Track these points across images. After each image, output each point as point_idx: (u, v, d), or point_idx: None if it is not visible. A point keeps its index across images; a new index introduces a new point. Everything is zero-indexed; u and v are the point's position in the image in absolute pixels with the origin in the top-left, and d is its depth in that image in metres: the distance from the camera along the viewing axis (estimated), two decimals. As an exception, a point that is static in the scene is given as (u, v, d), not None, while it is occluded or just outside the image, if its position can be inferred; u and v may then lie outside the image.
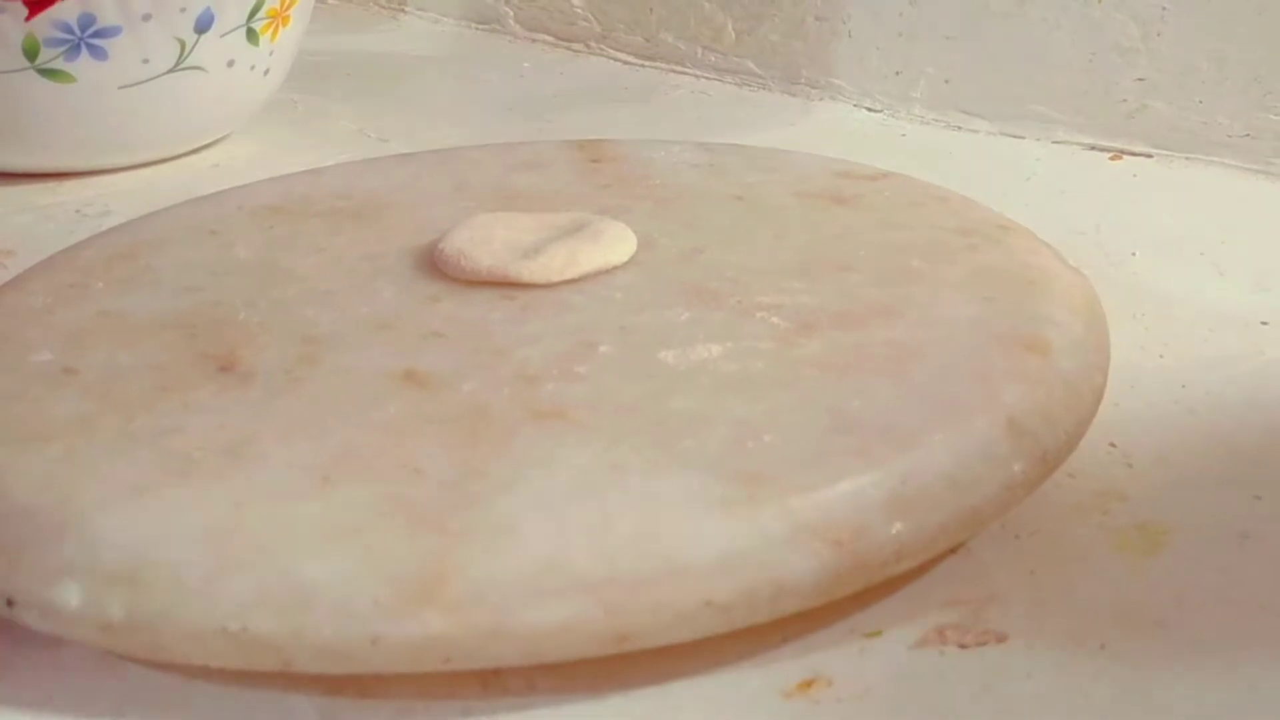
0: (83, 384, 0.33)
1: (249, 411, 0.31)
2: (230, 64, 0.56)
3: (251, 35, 0.56)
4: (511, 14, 0.77)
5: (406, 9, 0.83)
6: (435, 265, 0.38)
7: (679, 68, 0.69)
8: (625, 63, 0.71)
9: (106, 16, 0.52)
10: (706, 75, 0.69)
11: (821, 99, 0.64)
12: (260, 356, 0.34)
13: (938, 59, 0.61)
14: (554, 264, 0.37)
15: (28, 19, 0.51)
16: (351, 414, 0.31)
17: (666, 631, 0.27)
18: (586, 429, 0.30)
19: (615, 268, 0.37)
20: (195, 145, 0.59)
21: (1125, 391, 0.36)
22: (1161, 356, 0.38)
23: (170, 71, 0.54)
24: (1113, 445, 0.34)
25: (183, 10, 0.53)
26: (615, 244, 0.38)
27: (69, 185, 0.55)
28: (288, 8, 0.57)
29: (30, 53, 0.52)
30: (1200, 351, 0.39)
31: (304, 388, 0.32)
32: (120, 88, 0.53)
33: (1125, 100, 0.56)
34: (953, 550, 0.30)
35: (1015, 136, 0.59)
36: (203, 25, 0.54)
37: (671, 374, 0.32)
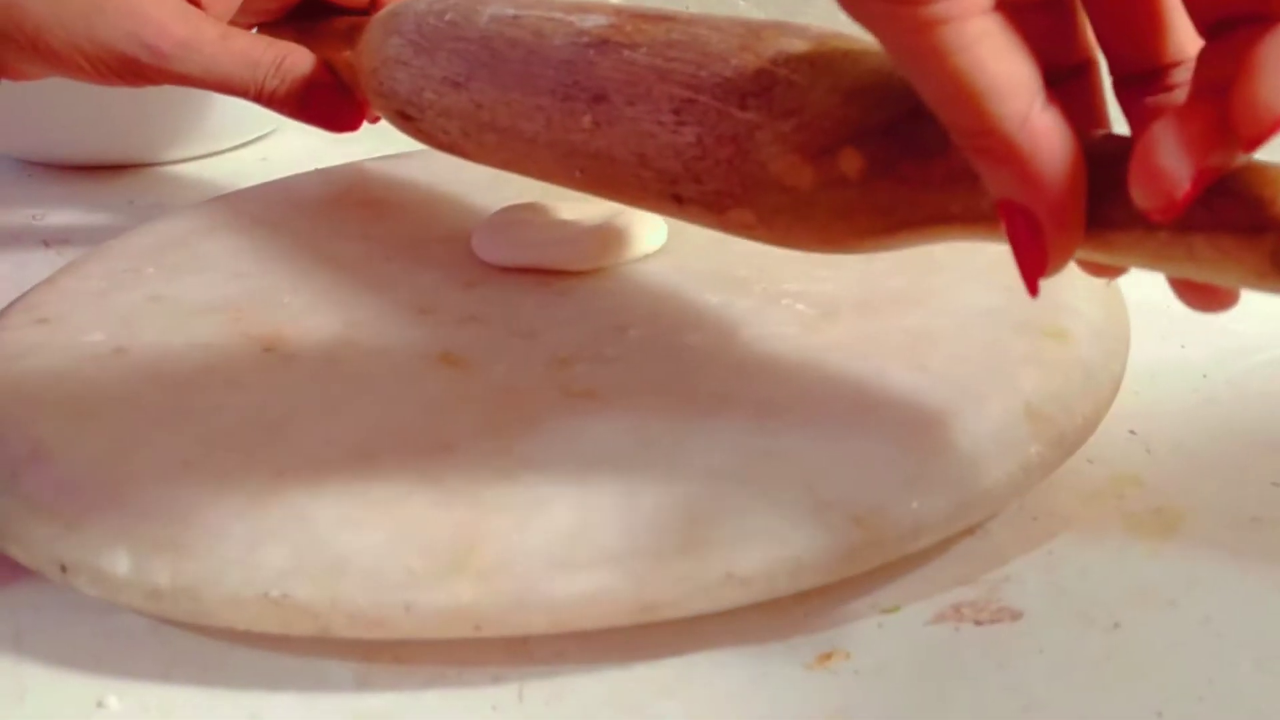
0: (132, 363, 0.34)
1: (291, 390, 0.33)
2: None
3: (298, 32, 0.57)
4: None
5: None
6: (472, 252, 0.39)
7: None
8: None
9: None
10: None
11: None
12: (303, 338, 0.35)
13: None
14: (588, 252, 0.38)
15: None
16: (388, 393, 0.32)
17: (690, 602, 0.28)
18: (615, 408, 0.31)
19: (646, 255, 0.38)
20: (244, 140, 0.60)
21: (1146, 380, 0.37)
22: (1183, 347, 0.39)
23: (219, 67, 0.56)
24: (1132, 432, 0.35)
25: (232, 8, 0.54)
26: (646, 233, 0.39)
27: (122, 178, 0.57)
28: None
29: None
30: (1221, 342, 0.39)
31: (343, 368, 0.34)
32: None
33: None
34: (970, 530, 0.31)
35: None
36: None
37: (698, 356, 0.33)
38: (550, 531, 0.28)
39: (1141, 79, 0.25)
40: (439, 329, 0.35)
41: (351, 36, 0.43)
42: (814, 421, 0.30)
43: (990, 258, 0.37)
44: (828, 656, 0.28)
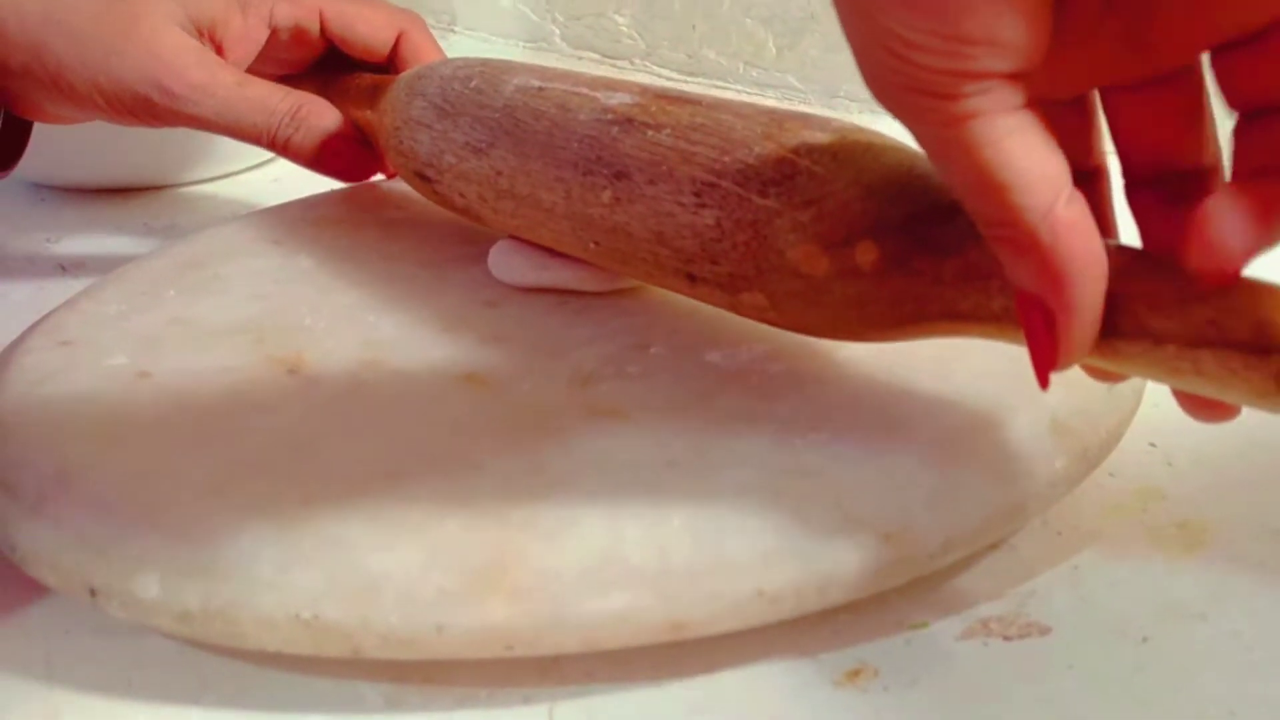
0: (157, 386, 0.34)
1: (316, 411, 0.33)
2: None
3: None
4: (558, 32, 0.79)
5: (456, 29, 0.85)
6: (491, 273, 0.39)
7: (721, 83, 0.71)
8: (669, 79, 0.73)
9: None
10: (748, 90, 0.70)
11: (862, 113, 0.65)
12: (326, 359, 0.35)
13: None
14: (603, 274, 0.38)
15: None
16: (414, 413, 0.32)
17: (719, 621, 0.28)
18: (640, 426, 0.31)
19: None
20: (256, 161, 0.60)
21: (1166, 393, 0.37)
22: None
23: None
24: (1153, 445, 0.35)
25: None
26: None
27: (136, 201, 0.57)
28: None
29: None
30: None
31: (368, 389, 0.34)
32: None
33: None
34: (996, 545, 0.31)
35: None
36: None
37: (721, 374, 0.33)
38: (580, 551, 0.28)
39: (1157, 184, 0.26)
40: (462, 348, 0.35)
41: (374, 94, 0.44)
42: (840, 438, 0.30)
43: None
44: (856, 673, 0.28)
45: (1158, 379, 0.25)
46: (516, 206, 0.36)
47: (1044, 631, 0.29)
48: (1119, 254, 0.25)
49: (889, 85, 0.23)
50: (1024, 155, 0.23)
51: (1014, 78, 0.23)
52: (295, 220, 0.44)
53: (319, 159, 0.44)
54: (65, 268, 0.51)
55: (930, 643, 0.29)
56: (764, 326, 0.35)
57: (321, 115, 0.44)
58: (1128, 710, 0.27)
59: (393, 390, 0.33)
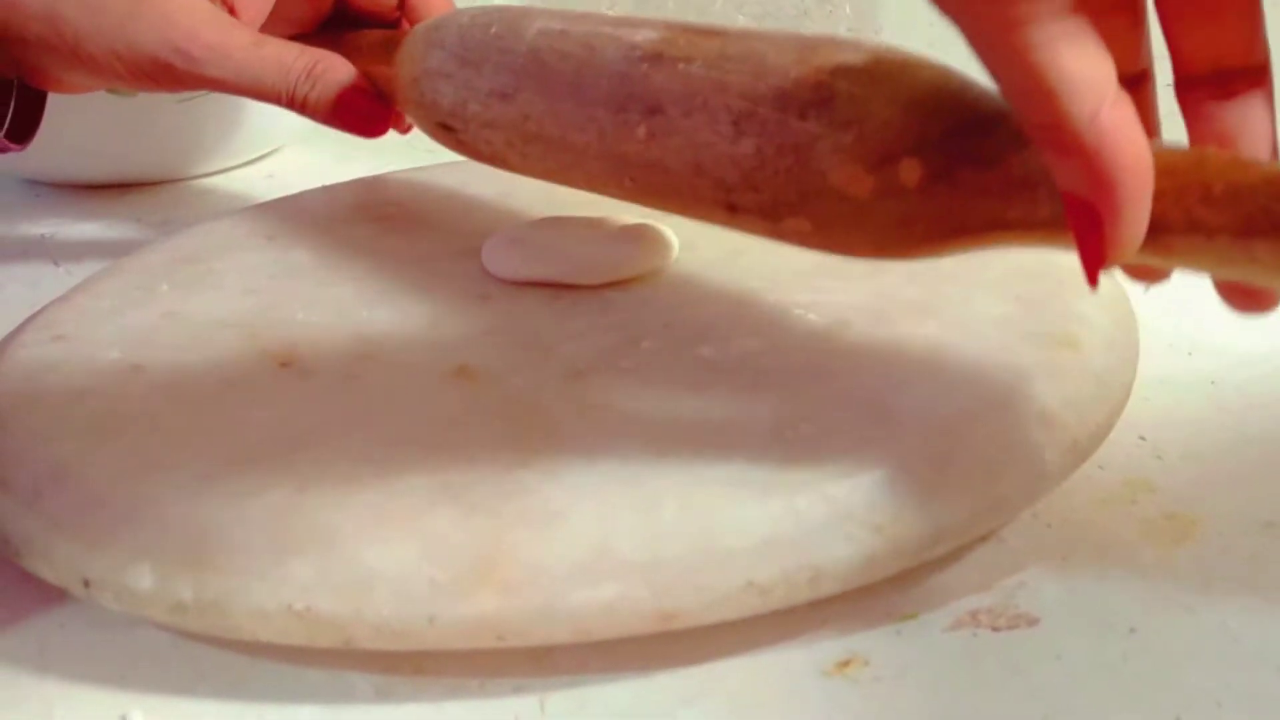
0: (151, 380, 0.34)
1: (309, 405, 0.33)
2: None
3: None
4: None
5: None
6: (484, 266, 0.39)
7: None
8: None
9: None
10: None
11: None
12: (318, 354, 0.35)
13: (970, 68, 0.62)
14: (600, 267, 0.38)
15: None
16: (406, 407, 0.33)
17: (709, 611, 0.28)
18: (632, 420, 0.31)
19: (658, 269, 0.39)
20: (250, 157, 0.61)
21: (1155, 387, 0.37)
22: (1190, 354, 0.39)
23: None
24: (1142, 439, 0.35)
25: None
26: (658, 247, 0.39)
27: (130, 196, 0.57)
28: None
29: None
30: (1229, 349, 0.39)
31: (360, 383, 0.34)
32: (179, 102, 0.55)
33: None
34: (986, 537, 0.31)
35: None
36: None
37: (713, 367, 0.33)
38: (571, 542, 0.28)
39: (1207, 81, 0.26)
40: (454, 343, 0.35)
41: (388, 49, 0.43)
42: (830, 431, 0.30)
43: (1002, 269, 0.37)
44: (846, 664, 0.29)
45: (1208, 270, 0.25)
46: (546, 150, 0.36)
47: (1032, 623, 0.29)
48: (1167, 153, 0.25)
49: None
50: (1073, 60, 0.23)
51: None
52: (289, 215, 0.45)
53: (335, 114, 0.44)
54: (60, 263, 0.51)
55: (920, 633, 0.29)
56: (755, 320, 0.35)
57: (337, 70, 0.43)
58: (1115, 701, 0.27)
59: (385, 384, 0.34)
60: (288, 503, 0.29)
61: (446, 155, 0.48)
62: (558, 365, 0.34)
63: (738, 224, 0.32)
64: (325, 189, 0.47)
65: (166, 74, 0.43)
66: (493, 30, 0.38)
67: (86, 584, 0.29)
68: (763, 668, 0.29)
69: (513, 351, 0.35)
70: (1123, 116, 0.24)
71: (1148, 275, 0.28)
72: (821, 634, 0.29)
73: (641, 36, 0.34)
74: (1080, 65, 0.23)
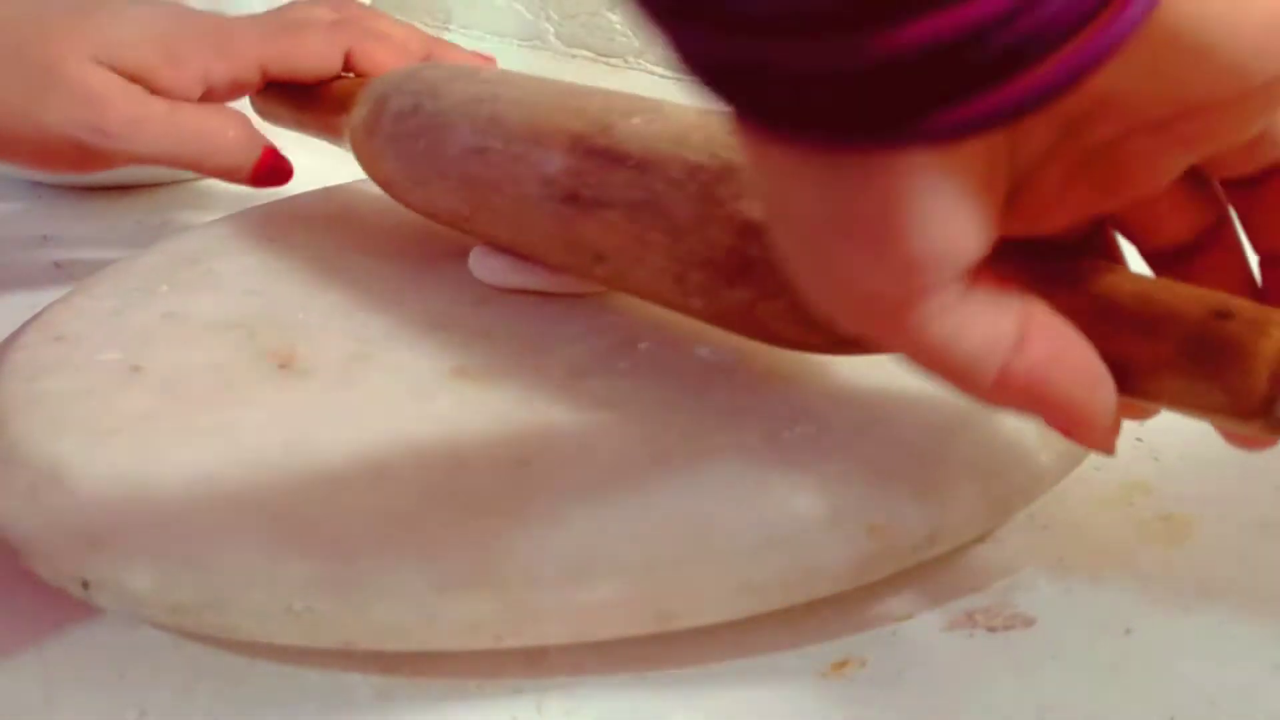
0: (149, 381, 0.35)
1: (307, 406, 0.33)
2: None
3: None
4: (552, 30, 0.79)
5: (451, 27, 0.85)
6: (473, 274, 0.39)
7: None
8: (663, 76, 0.73)
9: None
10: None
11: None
12: (317, 355, 0.35)
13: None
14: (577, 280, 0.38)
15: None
16: (404, 408, 0.33)
17: (706, 612, 0.28)
18: (628, 421, 0.31)
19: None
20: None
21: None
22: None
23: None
24: (1139, 440, 0.35)
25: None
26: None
27: (129, 198, 0.57)
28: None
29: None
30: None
31: (359, 384, 0.34)
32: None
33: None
34: (982, 538, 0.31)
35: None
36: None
37: (708, 369, 0.33)
38: (568, 543, 0.28)
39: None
40: (451, 345, 0.35)
41: (345, 101, 0.43)
42: (826, 431, 0.30)
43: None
44: (843, 664, 0.29)
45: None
46: (490, 220, 0.37)
47: (1028, 623, 0.29)
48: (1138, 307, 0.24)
49: (836, 307, 0.23)
50: (965, 340, 0.22)
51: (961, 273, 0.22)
52: (288, 218, 0.45)
53: (253, 180, 0.44)
54: (60, 265, 0.51)
55: (916, 634, 0.29)
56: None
57: (252, 136, 0.43)
58: (1111, 700, 0.27)
59: (383, 385, 0.34)
60: (286, 503, 0.29)
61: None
62: (555, 367, 0.34)
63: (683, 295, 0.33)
64: (325, 191, 0.48)
65: (77, 154, 0.41)
66: (420, 146, 0.38)
67: (85, 585, 0.29)
68: (759, 669, 0.29)
69: (510, 353, 0.35)
70: (1031, 358, 0.22)
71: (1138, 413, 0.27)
72: (818, 635, 0.29)
73: (552, 168, 0.34)
74: (972, 340, 0.22)
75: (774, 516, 0.28)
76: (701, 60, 0.20)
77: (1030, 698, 0.27)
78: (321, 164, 0.58)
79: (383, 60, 0.46)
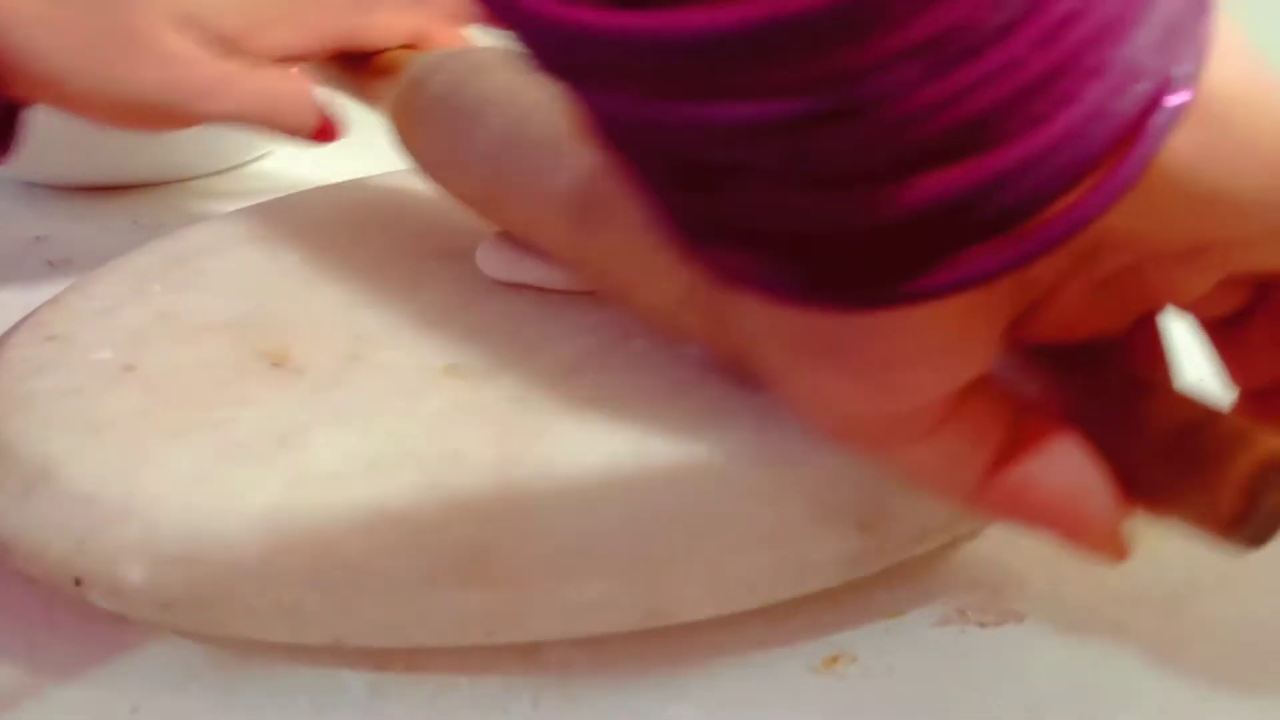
0: (142, 380, 0.35)
1: (299, 404, 0.33)
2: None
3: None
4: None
5: (445, 27, 0.85)
6: (474, 267, 0.39)
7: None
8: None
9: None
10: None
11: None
12: (309, 354, 0.35)
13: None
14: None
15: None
16: (396, 405, 0.33)
17: (696, 607, 0.28)
18: (621, 417, 0.31)
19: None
20: (243, 159, 0.61)
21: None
22: (1178, 353, 0.39)
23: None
24: (1130, 436, 0.35)
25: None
26: (648, 246, 0.39)
27: (124, 198, 0.57)
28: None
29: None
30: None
31: (351, 382, 0.34)
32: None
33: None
34: (973, 534, 0.31)
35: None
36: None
37: (700, 366, 0.33)
38: (560, 538, 0.28)
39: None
40: (444, 342, 0.35)
41: (388, 70, 0.44)
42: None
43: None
44: (834, 660, 0.29)
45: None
46: (513, 211, 0.37)
47: (1019, 619, 0.29)
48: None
49: (815, 421, 0.23)
50: (942, 454, 0.22)
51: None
52: (281, 217, 0.45)
53: (316, 136, 0.46)
54: (54, 264, 0.51)
55: (907, 630, 0.29)
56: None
57: (312, 95, 0.45)
58: (1101, 696, 0.27)
59: (375, 383, 0.34)
60: (277, 500, 0.29)
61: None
62: (547, 363, 0.34)
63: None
64: (317, 190, 0.48)
65: (157, 114, 0.43)
66: (452, 128, 0.39)
67: (77, 582, 0.29)
68: (750, 664, 0.29)
69: (502, 350, 0.35)
70: (1013, 475, 0.22)
71: None
72: (809, 631, 0.29)
73: (569, 176, 0.34)
74: (945, 459, 0.22)
75: (765, 512, 0.28)
76: (698, 230, 0.19)
77: (1021, 694, 0.27)
78: (313, 163, 0.58)
79: (444, 43, 0.47)
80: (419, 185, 0.47)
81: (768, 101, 0.17)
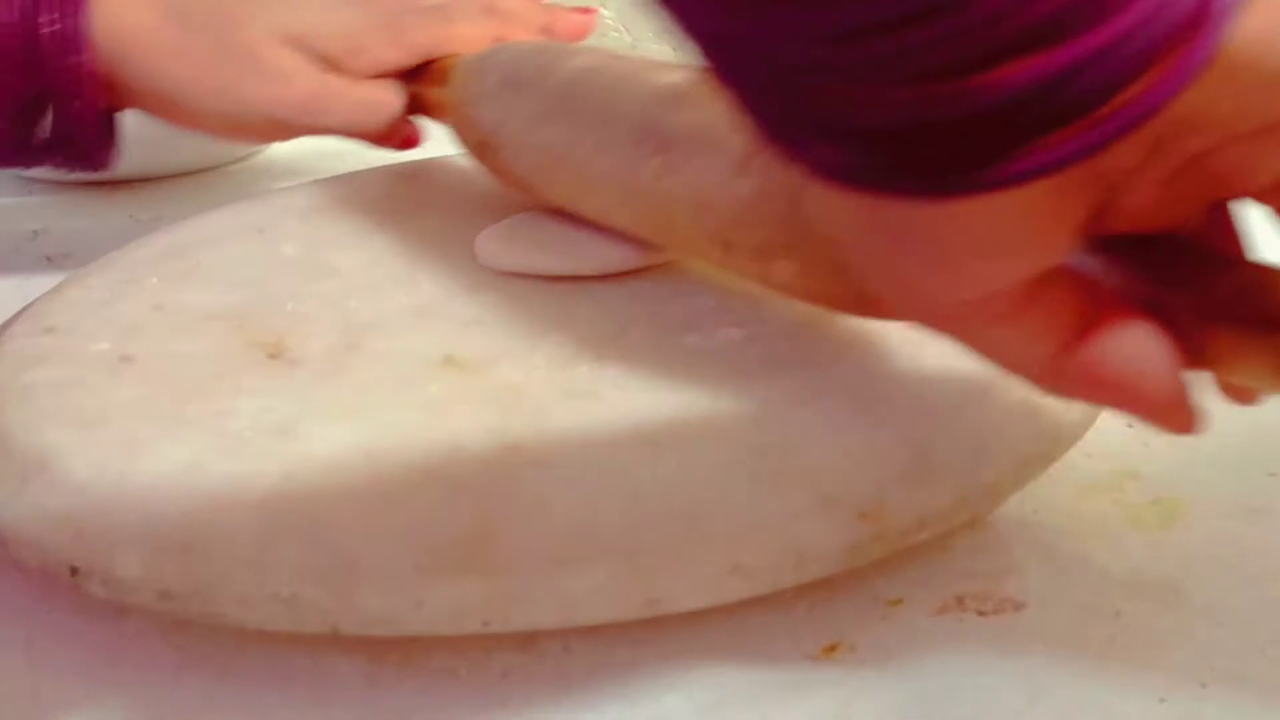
0: (139, 371, 0.34)
1: (296, 394, 0.33)
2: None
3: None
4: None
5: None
6: (472, 258, 0.39)
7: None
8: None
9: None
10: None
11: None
12: (306, 344, 0.35)
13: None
14: (597, 260, 0.38)
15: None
16: (393, 395, 0.33)
17: (694, 595, 0.28)
18: (619, 407, 0.31)
19: (650, 265, 0.39)
20: (242, 153, 0.61)
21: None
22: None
23: (217, 82, 0.56)
24: (1129, 426, 0.35)
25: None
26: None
27: (122, 192, 0.57)
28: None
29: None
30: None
31: (348, 372, 0.34)
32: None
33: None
34: (972, 523, 0.31)
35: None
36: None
37: (698, 356, 0.33)
38: (557, 527, 0.28)
39: None
40: (442, 332, 0.35)
41: (442, 74, 0.45)
42: (816, 416, 0.30)
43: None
44: (833, 648, 0.29)
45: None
46: (566, 176, 0.38)
47: (1018, 607, 0.29)
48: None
49: (902, 308, 0.24)
50: (1018, 335, 0.23)
51: None
52: (278, 209, 0.45)
53: (402, 145, 0.48)
54: (51, 259, 0.51)
55: (906, 618, 0.29)
56: (741, 311, 0.35)
57: (400, 104, 0.47)
58: (1100, 684, 0.27)
59: (372, 373, 0.34)
60: (274, 489, 0.29)
61: (432, 150, 0.48)
62: (546, 354, 0.34)
63: (731, 263, 0.33)
64: (315, 183, 0.47)
65: (267, 127, 0.46)
66: (537, 62, 0.40)
67: (74, 572, 0.29)
68: (749, 652, 0.29)
69: (500, 341, 0.35)
70: (1092, 355, 0.23)
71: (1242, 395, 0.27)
72: (808, 619, 0.29)
73: (667, 79, 0.35)
74: (1022, 338, 0.23)
75: (764, 500, 0.28)
76: (792, 130, 0.21)
77: (1020, 681, 0.27)
78: (306, 157, 0.58)
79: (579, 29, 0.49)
80: (417, 177, 0.47)
81: (871, 3, 0.18)
